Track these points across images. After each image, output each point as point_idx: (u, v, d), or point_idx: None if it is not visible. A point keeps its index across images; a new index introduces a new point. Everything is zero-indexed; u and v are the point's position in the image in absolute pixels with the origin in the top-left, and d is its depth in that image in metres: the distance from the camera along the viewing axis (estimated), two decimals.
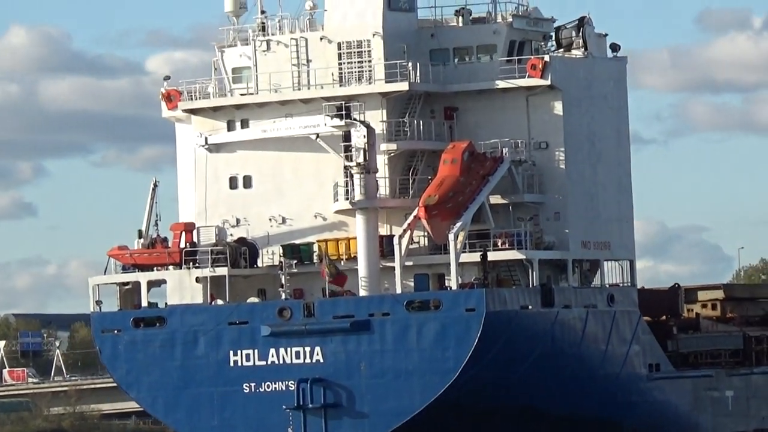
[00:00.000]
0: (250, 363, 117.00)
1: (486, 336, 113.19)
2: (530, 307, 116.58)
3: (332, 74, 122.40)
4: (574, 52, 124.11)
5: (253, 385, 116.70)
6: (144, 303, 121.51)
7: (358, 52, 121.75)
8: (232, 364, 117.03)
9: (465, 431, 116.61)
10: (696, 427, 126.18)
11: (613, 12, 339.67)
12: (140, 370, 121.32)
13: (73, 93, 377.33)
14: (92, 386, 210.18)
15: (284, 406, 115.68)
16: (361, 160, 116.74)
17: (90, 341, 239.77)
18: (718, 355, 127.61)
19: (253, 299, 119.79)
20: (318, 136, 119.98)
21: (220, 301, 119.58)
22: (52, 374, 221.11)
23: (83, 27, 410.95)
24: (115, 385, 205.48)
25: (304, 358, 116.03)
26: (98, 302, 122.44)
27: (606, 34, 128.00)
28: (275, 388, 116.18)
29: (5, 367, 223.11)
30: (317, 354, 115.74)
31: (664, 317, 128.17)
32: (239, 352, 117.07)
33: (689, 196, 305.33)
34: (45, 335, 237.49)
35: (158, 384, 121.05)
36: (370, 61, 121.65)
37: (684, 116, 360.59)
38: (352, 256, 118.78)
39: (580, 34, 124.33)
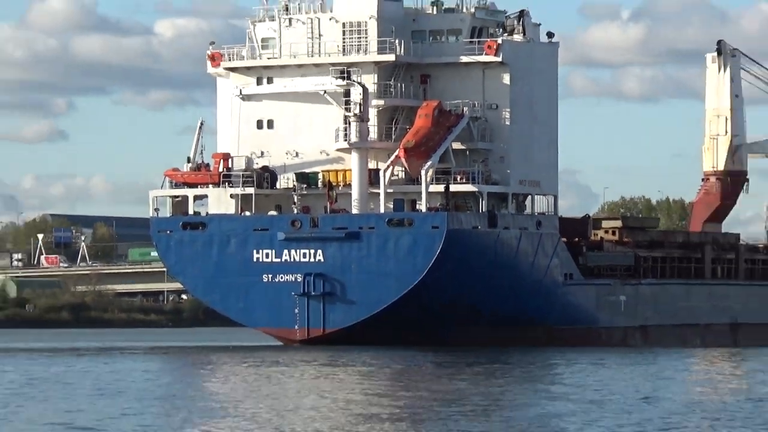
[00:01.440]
0: (269, 260, 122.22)
1: (446, 248, 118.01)
2: (479, 227, 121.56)
3: (337, 46, 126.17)
4: (515, 36, 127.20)
5: (270, 276, 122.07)
6: (190, 212, 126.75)
7: (357, 30, 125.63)
8: (254, 260, 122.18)
9: (425, 322, 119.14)
10: (597, 322, 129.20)
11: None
12: (186, 262, 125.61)
13: (97, 47, 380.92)
14: (109, 271, 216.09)
15: (293, 293, 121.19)
16: (357, 111, 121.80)
17: (108, 237, 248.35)
18: (615, 269, 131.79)
19: (272, 213, 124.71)
20: (325, 92, 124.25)
21: (247, 213, 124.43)
22: (78, 261, 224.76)
23: None
24: (126, 270, 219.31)
25: (309, 258, 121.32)
26: (156, 209, 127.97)
27: (539, 24, 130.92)
28: (287, 279, 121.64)
29: (43, 255, 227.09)
30: (319, 255, 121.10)
31: (577, 239, 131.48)
32: (260, 251, 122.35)
33: (568, 147, 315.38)
34: (73, 231, 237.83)
35: (199, 273, 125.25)
36: (366, 38, 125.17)
37: (566, 85, 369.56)
38: (347, 183, 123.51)
39: (521, 23, 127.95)
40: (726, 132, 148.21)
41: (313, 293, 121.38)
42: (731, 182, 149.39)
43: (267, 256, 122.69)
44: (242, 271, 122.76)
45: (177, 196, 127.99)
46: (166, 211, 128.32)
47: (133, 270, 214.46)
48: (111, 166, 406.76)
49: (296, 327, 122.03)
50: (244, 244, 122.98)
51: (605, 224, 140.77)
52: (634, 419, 56.90)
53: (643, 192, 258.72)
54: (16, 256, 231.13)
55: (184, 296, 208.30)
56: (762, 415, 58.46)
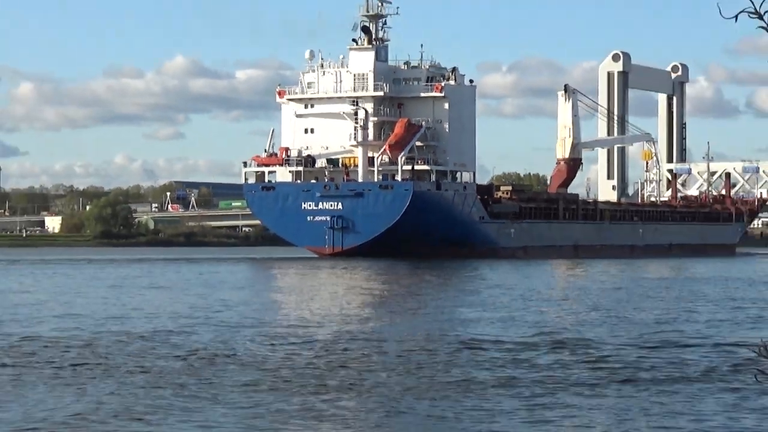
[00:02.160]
0: (311, 208, 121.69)
1: (412, 201, 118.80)
2: (431, 189, 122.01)
3: (351, 87, 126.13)
4: (451, 81, 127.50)
5: (312, 217, 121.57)
6: (266, 180, 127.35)
7: (362, 78, 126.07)
8: (302, 208, 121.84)
9: (401, 244, 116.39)
10: (498, 244, 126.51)
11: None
12: (264, 209, 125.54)
13: (202, 85, 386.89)
14: (207, 214, 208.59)
15: (325, 227, 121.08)
16: (361, 124, 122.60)
17: (207, 194, 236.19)
18: (508, 214, 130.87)
19: (313, 181, 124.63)
20: (344, 113, 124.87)
21: (298, 182, 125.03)
22: (189, 208, 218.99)
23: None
24: (217, 213, 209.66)
25: (334, 207, 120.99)
26: (246, 179, 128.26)
27: (463, 75, 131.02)
28: (321, 219, 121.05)
29: (169, 204, 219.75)
30: (340, 205, 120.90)
31: (486, 196, 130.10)
32: (306, 203, 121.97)
33: (478, 144, 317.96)
34: (187, 191, 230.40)
35: (271, 216, 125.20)
36: (367, 82, 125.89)
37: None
38: (356, 165, 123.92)
39: (453, 73, 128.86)
40: (569, 136, 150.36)
41: (336, 227, 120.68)
42: (573, 165, 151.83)
43: (310, 206, 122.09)
44: (296, 215, 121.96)
45: (259, 172, 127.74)
46: (253, 180, 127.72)
47: (221, 213, 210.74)
48: (212, 153, 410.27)
49: (326, 246, 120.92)
50: (297, 199, 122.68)
51: (502, 188, 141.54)
52: (517, 294, 57.96)
53: (517, 170, 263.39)
54: (154, 205, 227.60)
55: (248, 229, 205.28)
56: (587, 296, 59.02)
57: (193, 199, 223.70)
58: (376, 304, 50.57)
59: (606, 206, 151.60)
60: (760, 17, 8.99)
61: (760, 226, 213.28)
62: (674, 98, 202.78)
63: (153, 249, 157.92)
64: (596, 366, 27.63)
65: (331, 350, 31.25)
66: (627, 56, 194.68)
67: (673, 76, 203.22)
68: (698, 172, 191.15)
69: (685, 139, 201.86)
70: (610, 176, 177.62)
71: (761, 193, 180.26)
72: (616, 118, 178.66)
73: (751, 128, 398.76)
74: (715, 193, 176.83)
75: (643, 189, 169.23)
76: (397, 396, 23.01)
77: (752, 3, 9.02)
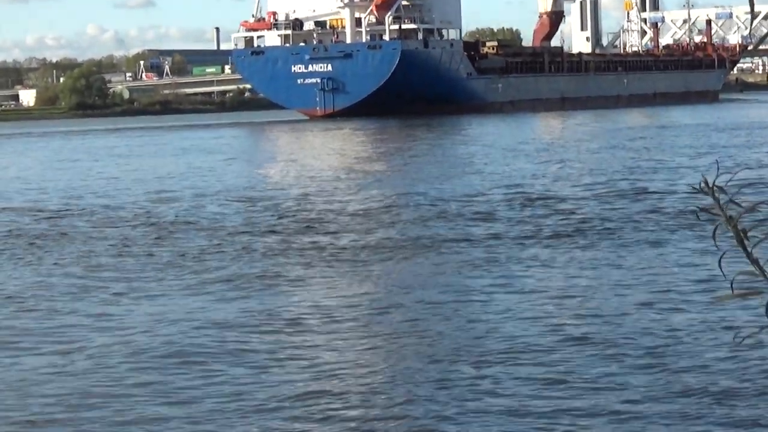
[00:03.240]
0: (300, 71, 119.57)
1: (401, 60, 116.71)
2: (419, 48, 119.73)
3: None
4: None
5: (302, 80, 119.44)
6: (255, 45, 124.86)
7: None
8: (292, 71, 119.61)
9: (390, 103, 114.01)
10: (485, 100, 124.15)
11: None
12: (254, 74, 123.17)
13: None
14: (181, 81, 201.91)
15: (316, 89, 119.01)
16: None
17: (181, 61, 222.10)
18: (495, 69, 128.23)
19: (302, 44, 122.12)
20: None
21: (287, 45, 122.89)
22: (164, 75, 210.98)
23: None
24: (191, 80, 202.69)
25: (324, 68, 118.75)
26: (236, 45, 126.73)
27: None
28: (312, 81, 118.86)
29: (143, 72, 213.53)
30: (329, 67, 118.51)
31: (473, 53, 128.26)
32: (296, 66, 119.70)
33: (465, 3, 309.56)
34: (161, 58, 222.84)
35: (261, 80, 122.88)
36: None
37: None
38: (344, 26, 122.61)
39: None
40: None
41: (326, 88, 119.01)
42: (555, 18, 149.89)
43: (299, 69, 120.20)
44: (286, 78, 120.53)
45: (248, 37, 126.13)
46: (242, 45, 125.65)
47: (196, 80, 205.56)
48: (184, 20, 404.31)
49: (317, 108, 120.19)
50: (286, 63, 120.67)
51: (488, 44, 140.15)
52: (510, 146, 58.65)
53: (490, 24, 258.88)
54: (128, 74, 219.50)
55: (229, 94, 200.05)
56: (575, 144, 60.82)
57: (167, 67, 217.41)
58: (350, 165, 49.86)
59: (591, 58, 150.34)
60: None
61: (735, 72, 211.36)
62: None
63: (129, 118, 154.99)
64: (550, 217, 27.84)
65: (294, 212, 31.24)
66: None
67: None
68: (672, 20, 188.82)
69: None
70: (583, 28, 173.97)
71: (739, 39, 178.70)
72: None
73: None
74: (696, 41, 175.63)
75: (616, 40, 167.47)
76: (362, 256, 22.89)
77: None
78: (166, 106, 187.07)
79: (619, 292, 18.25)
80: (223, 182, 42.44)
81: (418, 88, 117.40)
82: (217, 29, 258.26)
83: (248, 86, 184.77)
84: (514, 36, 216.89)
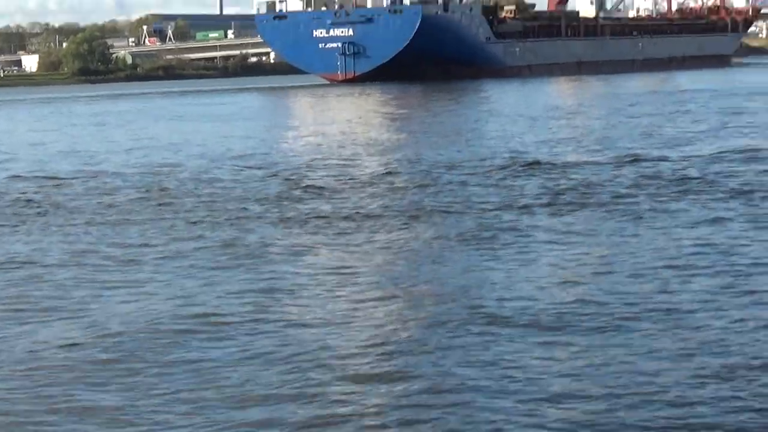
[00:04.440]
0: (322, 35, 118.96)
1: (422, 24, 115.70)
2: (439, 12, 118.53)
3: None
4: None
5: (323, 44, 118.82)
6: (277, 9, 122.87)
7: None
8: (314, 36, 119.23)
9: (412, 67, 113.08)
10: (504, 64, 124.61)
11: None
12: (276, 38, 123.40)
13: None
14: (184, 47, 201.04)
15: (337, 54, 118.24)
16: None
17: (184, 26, 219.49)
18: (513, 34, 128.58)
19: (323, 8, 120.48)
20: None
21: (309, 9, 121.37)
22: (167, 41, 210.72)
23: None
24: (194, 45, 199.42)
25: (345, 33, 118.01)
26: (258, 9, 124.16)
27: None
28: (333, 46, 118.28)
29: (146, 38, 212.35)
30: (351, 31, 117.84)
31: (491, 17, 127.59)
32: (318, 30, 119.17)
33: None
34: (163, 23, 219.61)
35: (284, 44, 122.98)
36: None
37: None
38: None
39: None
40: None
41: (348, 53, 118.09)
42: None
43: (321, 33, 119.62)
44: (308, 42, 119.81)
45: (270, 1, 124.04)
46: (264, 10, 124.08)
47: (199, 45, 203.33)
48: None
49: (338, 72, 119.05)
50: (308, 27, 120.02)
51: (506, 8, 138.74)
52: (526, 108, 59.08)
53: None
54: (131, 39, 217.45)
55: (231, 60, 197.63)
56: (585, 108, 60.84)
57: (170, 31, 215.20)
58: (364, 132, 48.87)
59: (607, 22, 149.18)
60: None
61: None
62: None
63: (133, 84, 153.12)
64: (547, 183, 27.59)
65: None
66: None
67: None
68: None
69: None
70: None
71: (743, 2, 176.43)
72: None
73: None
74: (710, 3, 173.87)
75: (620, 4, 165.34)
76: (362, 223, 22.60)
77: None
78: (169, 72, 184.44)
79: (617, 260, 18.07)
80: (236, 148, 41.97)
81: (439, 52, 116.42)
82: None
83: (250, 51, 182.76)
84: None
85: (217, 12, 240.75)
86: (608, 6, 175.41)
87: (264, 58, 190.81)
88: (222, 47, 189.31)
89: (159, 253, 19.94)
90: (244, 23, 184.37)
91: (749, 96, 66.06)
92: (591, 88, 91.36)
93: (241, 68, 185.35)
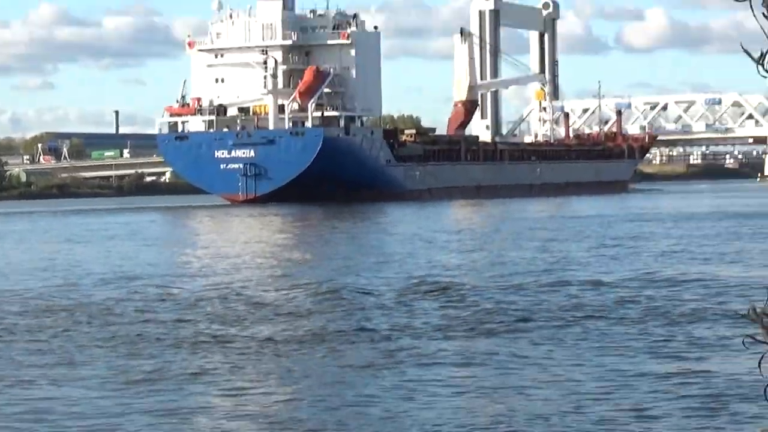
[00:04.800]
0: (224, 156, 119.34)
1: (323, 147, 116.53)
2: (340, 135, 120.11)
3: (260, 36, 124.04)
4: (351, 29, 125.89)
5: (226, 165, 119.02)
6: (179, 130, 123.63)
7: (271, 27, 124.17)
8: (216, 157, 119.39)
9: (312, 189, 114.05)
10: (404, 187, 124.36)
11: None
12: (178, 158, 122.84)
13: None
14: (79, 165, 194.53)
15: (239, 174, 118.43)
16: (271, 73, 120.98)
17: (79, 144, 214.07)
18: (413, 157, 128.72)
19: (225, 129, 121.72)
20: (254, 62, 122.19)
21: (211, 130, 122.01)
22: (62, 159, 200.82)
23: None
24: (90, 164, 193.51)
25: (247, 154, 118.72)
26: (160, 129, 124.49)
27: (363, 21, 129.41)
28: (235, 167, 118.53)
29: (41, 155, 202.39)
30: (252, 153, 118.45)
31: (392, 140, 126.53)
32: (219, 151, 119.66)
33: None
34: (58, 141, 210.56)
35: (184, 164, 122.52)
36: (276, 31, 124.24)
37: None
38: (267, 113, 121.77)
39: (354, 21, 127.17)
40: (466, 78, 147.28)
41: (249, 174, 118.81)
42: (470, 106, 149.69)
43: (223, 154, 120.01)
44: (210, 163, 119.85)
45: (173, 122, 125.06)
46: (166, 130, 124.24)
47: (95, 164, 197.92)
48: (82, 102, 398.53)
49: (240, 193, 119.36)
50: (210, 148, 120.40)
51: (406, 132, 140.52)
52: (425, 231, 59.74)
53: (391, 111, 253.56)
54: (26, 157, 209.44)
55: (125, 179, 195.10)
56: (486, 235, 62.03)
57: (65, 150, 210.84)
58: (264, 254, 49.32)
59: (506, 147, 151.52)
60: None
61: None
62: (546, 36, 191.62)
63: (27, 202, 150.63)
64: (448, 308, 27.61)
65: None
66: None
67: (544, 12, 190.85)
68: (572, 110, 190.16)
69: (557, 76, 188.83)
70: (483, 116, 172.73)
71: (637, 129, 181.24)
72: (490, 56, 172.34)
73: (621, 64, 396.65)
74: (606, 129, 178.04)
75: (516, 128, 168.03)
76: (266, 347, 22.53)
77: None
78: (64, 190, 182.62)
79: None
80: (137, 269, 41.58)
81: (340, 175, 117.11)
82: (117, 113, 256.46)
83: (146, 170, 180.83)
84: (415, 123, 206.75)
85: (113, 131, 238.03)
86: (504, 131, 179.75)
87: (162, 178, 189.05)
88: (117, 166, 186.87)
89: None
90: (140, 142, 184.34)
91: (643, 222, 67.28)
92: (489, 212, 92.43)
93: (136, 187, 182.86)
